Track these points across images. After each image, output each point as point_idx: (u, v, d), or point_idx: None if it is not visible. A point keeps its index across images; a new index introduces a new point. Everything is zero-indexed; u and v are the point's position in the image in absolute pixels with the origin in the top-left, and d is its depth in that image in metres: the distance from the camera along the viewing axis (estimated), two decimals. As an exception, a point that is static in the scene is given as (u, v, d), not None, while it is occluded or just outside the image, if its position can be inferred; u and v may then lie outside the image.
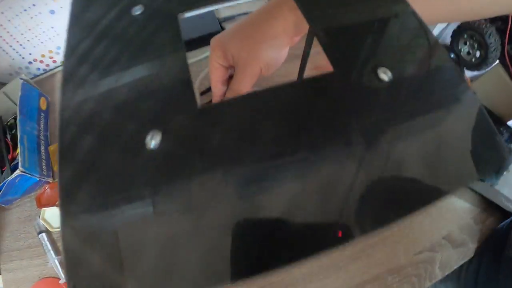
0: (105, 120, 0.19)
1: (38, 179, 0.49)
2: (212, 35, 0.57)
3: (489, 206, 0.50)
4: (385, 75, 0.18)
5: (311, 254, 0.16)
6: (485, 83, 0.57)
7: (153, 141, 0.17)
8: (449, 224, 0.49)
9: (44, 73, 0.67)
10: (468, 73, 0.59)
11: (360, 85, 0.19)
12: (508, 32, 0.51)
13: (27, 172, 0.46)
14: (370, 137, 0.18)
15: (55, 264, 0.47)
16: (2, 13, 0.54)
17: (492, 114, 0.56)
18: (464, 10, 0.35)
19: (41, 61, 0.65)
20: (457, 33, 0.55)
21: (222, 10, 0.66)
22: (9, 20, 0.56)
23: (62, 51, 0.58)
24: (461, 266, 0.49)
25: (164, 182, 0.17)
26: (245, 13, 0.66)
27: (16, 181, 0.47)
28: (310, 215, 0.17)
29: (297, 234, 0.17)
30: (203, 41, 0.57)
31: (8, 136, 0.52)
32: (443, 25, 0.55)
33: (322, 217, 0.17)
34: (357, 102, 0.19)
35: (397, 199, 0.17)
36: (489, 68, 0.55)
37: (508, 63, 0.53)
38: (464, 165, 0.18)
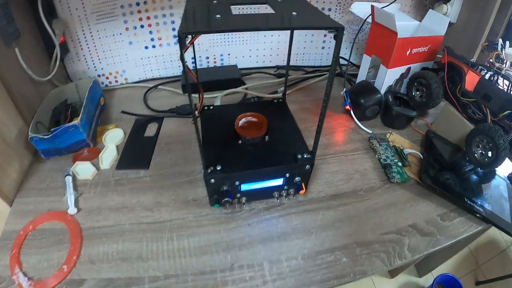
0: None
1: (84, 137, 0.59)
2: (235, 79, 0.78)
3: (458, 208, 0.53)
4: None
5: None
6: (441, 120, 0.65)
7: None
8: (414, 216, 0.52)
9: (105, 87, 0.82)
10: (429, 119, 0.72)
11: None
12: (446, 74, 0.65)
13: (81, 126, 0.57)
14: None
15: (70, 198, 0.52)
16: (98, 31, 0.72)
17: (453, 145, 0.62)
18: None
19: (107, 77, 0.81)
20: (410, 82, 0.68)
21: (239, 64, 0.88)
22: (99, 38, 0.73)
23: (125, 75, 0.78)
24: None
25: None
26: (259, 70, 0.88)
27: (70, 130, 0.56)
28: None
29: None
30: (229, 82, 0.80)
31: (69, 111, 0.64)
32: (396, 77, 0.71)
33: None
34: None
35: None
36: (437, 105, 0.66)
37: (452, 97, 0.65)
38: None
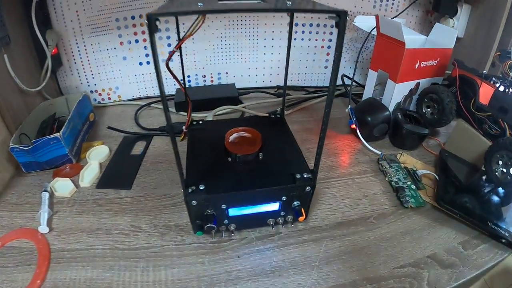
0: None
1: (66, 151, 0.54)
2: (232, 98, 0.73)
3: (481, 234, 0.46)
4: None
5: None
6: (455, 138, 0.59)
7: None
8: (433, 246, 0.44)
9: (98, 104, 0.77)
10: (440, 139, 0.64)
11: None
12: (458, 88, 0.59)
13: (63, 140, 0.52)
14: None
15: (43, 216, 0.46)
16: (92, 44, 0.69)
17: (469, 164, 0.55)
18: None
19: (100, 94, 0.76)
20: (420, 98, 0.62)
21: (237, 84, 0.82)
22: (93, 52, 0.70)
23: (118, 92, 0.73)
24: None
25: None
26: (258, 90, 0.83)
27: (51, 143, 0.51)
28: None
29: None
30: (225, 101, 0.74)
31: (55, 125, 0.59)
32: (405, 92, 0.65)
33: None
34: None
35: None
36: (449, 122, 0.59)
37: (466, 112, 0.58)
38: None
